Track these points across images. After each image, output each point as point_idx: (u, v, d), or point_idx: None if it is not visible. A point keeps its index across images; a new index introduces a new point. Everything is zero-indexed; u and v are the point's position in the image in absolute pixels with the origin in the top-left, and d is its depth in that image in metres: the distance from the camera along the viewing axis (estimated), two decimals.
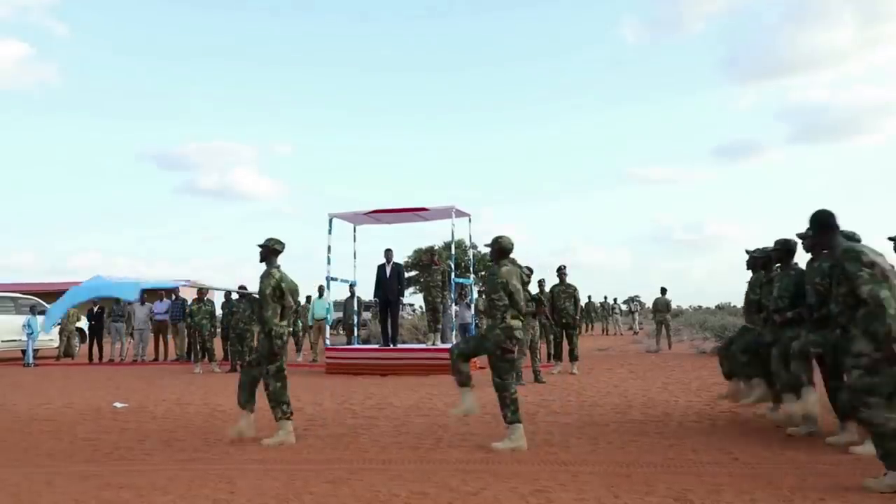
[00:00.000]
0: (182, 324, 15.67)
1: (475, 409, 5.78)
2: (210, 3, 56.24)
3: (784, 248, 6.19)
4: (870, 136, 57.53)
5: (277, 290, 5.96)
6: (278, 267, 6.11)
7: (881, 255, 4.46)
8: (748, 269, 6.94)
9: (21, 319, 16.20)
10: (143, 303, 16.45)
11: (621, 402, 8.00)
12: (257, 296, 6.05)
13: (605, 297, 29.97)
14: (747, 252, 6.90)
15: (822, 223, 4.69)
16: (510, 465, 4.94)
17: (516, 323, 5.53)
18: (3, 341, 16.36)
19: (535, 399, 8.47)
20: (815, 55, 53.95)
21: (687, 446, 5.50)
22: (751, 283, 6.85)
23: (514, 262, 5.81)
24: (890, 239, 6.03)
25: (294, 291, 6.19)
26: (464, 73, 60.32)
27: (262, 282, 5.99)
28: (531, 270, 10.15)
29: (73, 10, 53.04)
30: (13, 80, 51.77)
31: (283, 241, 6.19)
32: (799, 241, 5.78)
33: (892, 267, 4.47)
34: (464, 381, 5.71)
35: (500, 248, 5.69)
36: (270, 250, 6.10)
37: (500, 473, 4.71)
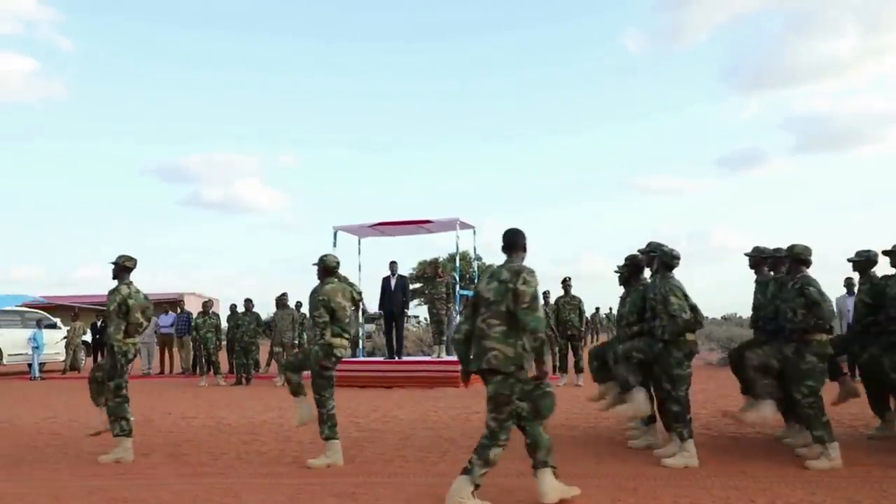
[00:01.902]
0: (187, 337, 15.69)
1: (311, 418, 5.74)
2: (214, 17, 56.68)
3: (632, 265, 6.30)
4: (874, 145, 57.45)
5: (123, 307, 5.98)
6: (129, 283, 6.14)
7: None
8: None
9: (27, 333, 16.23)
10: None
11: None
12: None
13: (610, 309, 29.86)
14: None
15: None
16: (514, 479, 4.92)
17: (337, 341, 5.57)
18: (9, 355, 16.39)
19: None
20: (819, 65, 54.01)
21: (703, 459, 5.47)
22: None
23: (344, 279, 5.88)
24: (885, 253, 6.14)
25: (145, 308, 6.18)
26: (467, 85, 60.60)
27: (108, 297, 6.04)
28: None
29: (78, 26, 53.45)
30: (20, 95, 52.12)
31: (134, 257, 6.21)
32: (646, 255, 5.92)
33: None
34: (296, 391, 5.70)
35: (325, 267, 5.77)
36: (121, 267, 6.14)
37: (505, 487, 4.69)
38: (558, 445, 6.23)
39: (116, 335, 5.93)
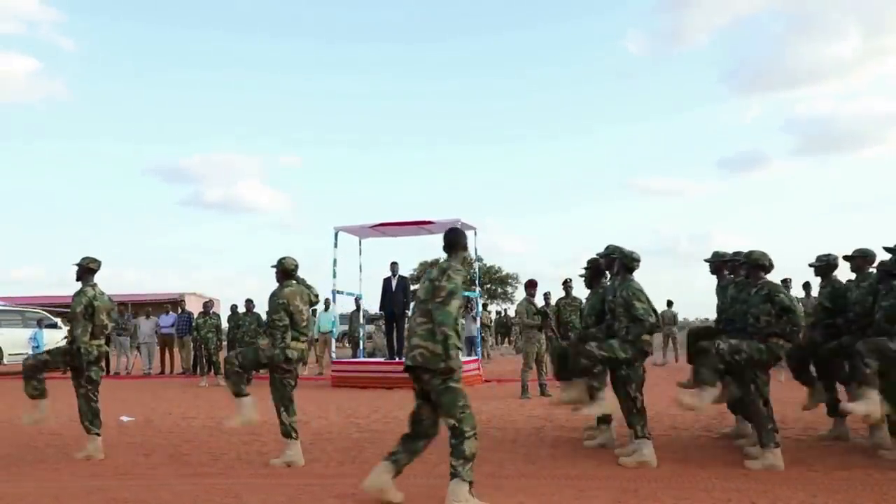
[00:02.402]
0: (188, 337, 15.69)
1: (253, 419, 5.77)
2: (215, 17, 56.76)
3: (593, 268, 6.43)
4: (876, 147, 57.45)
5: (89, 309, 6.01)
6: (94, 285, 6.17)
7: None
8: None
9: (28, 333, 16.24)
10: (148, 316, 16.47)
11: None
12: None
13: None
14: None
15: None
16: (516, 480, 4.91)
17: (296, 344, 5.63)
18: (10, 355, 16.39)
19: (541, 413, 8.44)
20: (820, 67, 54.04)
21: (695, 461, 5.46)
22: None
23: (302, 282, 5.91)
24: (845, 258, 6.19)
25: (110, 310, 6.23)
26: (468, 86, 60.64)
27: (73, 299, 6.06)
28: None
29: (80, 26, 53.52)
30: (21, 95, 52.20)
31: (98, 259, 6.24)
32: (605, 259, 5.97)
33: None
34: (239, 392, 5.72)
35: (283, 269, 5.79)
36: (85, 269, 6.17)
37: (505, 488, 4.69)
38: (560, 447, 6.25)
39: (83, 337, 5.96)
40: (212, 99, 57.55)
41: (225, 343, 14.89)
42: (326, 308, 15.27)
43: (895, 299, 5.35)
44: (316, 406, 9.36)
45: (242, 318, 13.69)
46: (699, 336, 6.22)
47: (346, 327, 18.65)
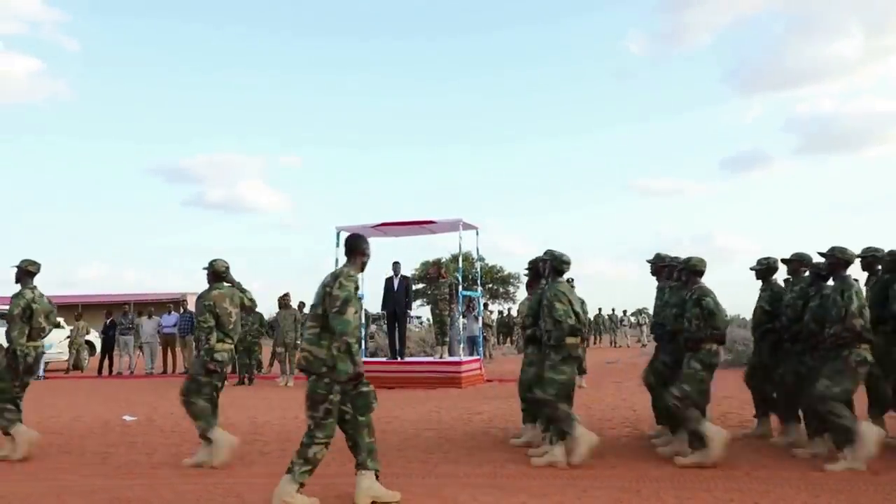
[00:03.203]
0: (190, 337, 15.68)
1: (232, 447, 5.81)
2: (217, 17, 56.82)
3: (532, 270, 6.53)
4: (878, 146, 57.26)
5: (27, 311, 6.03)
6: (33, 288, 6.19)
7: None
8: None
9: None
10: (150, 316, 16.49)
11: (630, 416, 7.94)
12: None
13: (613, 310, 29.81)
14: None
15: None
16: (518, 480, 4.91)
17: (220, 346, 5.65)
18: None
19: None
20: (822, 66, 53.85)
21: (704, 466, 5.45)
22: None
23: (237, 285, 5.94)
24: (783, 261, 6.26)
25: (49, 313, 6.24)
26: (469, 86, 60.60)
27: (11, 301, 6.07)
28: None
29: (82, 26, 53.60)
30: (25, 95, 52.23)
31: (38, 262, 6.26)
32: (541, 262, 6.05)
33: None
34: (205, 434, 5.76)
35: (214, 272, 5.82)
36: (24, 271, 6.19)
37: (508, 488, 4.69)
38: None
39: (20, 339, 5.99)
40: (214, 99, 57.64)
41: None
42: None
43: (823, 301, 5.40)
44: None
45: (244, 318, 13.70)
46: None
47: None
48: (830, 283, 5.52)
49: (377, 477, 4.36)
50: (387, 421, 7.91)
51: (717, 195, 58.56)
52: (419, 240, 15.99)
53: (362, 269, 4.52)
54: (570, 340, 5.43)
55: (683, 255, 6.08)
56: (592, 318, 26.58)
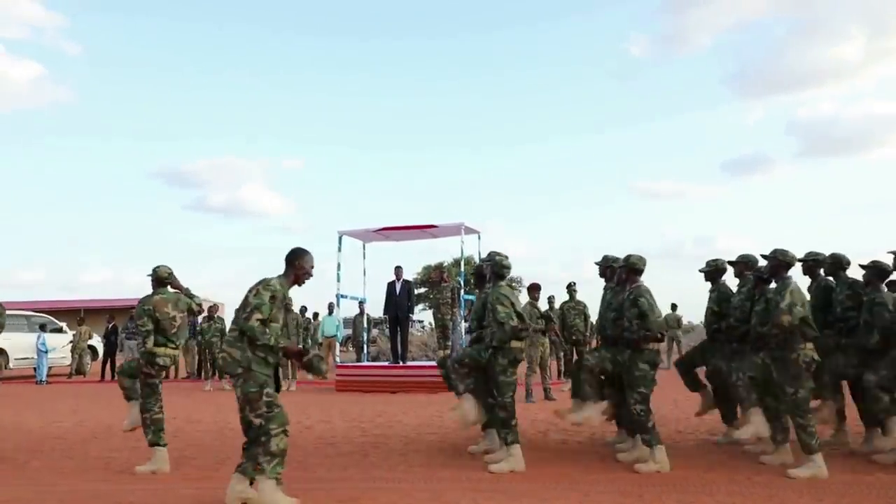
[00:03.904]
0: (192, 341, 15.71)
1: (139, 422, 5.81)
2: (219, 21, 56.93)
3: (476, 274, 6.56)
4: (880, 149, 57.14)
5: None
6: None
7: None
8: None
9: (33, 337, 16.29)
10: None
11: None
12: None
13: None
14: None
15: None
16: (520, 485, 4.91)
17: (160, 350, 5.70)
18: (15, 359, 16.44)
19: (545, 417, 8.43)
20: (824, 69, 53.77)
21: (700, 465, 5.45)
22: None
23: (185, 291, 5.98)
24: (730, 263, 6.33)
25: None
26: (471, 88, 60.62)
27: None
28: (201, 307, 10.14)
29: (84, 30, 53.74)
30: (27, 100, 52.35)
31: None
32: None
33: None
34: (130, 396, 5.82)
35: (157, 277, 5.86)
36: None
37: (510, 492, 4.69)
38: (565, 451, 6.24)
39: None
40: (216, 102, 57.69)
41: None
42: (330, 312, 15.28)
43: (766, 304, 5.42)
44: (320, 410, 9.36)
45: None
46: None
47: (349, 331, 18.67)
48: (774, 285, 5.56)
49: (252, 483, 4.39)
50: (389, 425, 7.91)
51: (718, 198, 58.47)
52: (421, 244, 16.02)
53: (298, 284, 4.60)
54: (514, 344, 5.49)
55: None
56: (595, 322, 26.49)
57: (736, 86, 54.13)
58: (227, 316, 16.23)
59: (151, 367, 5.66)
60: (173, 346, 5.80)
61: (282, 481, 4.31)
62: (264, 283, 4.40)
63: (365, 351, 15.02)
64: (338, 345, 14.27)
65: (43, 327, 16.52)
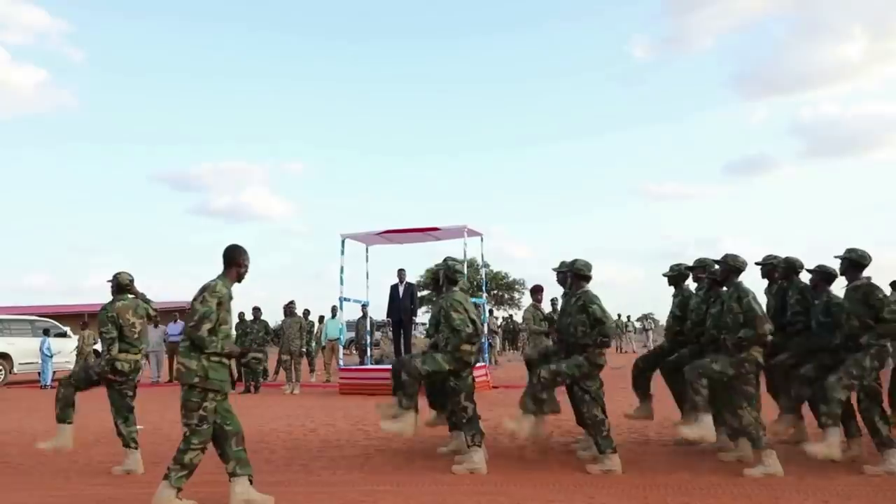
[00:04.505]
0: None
1: (67, 445, 5.87)
2: (220, 26, 57.17)
3: (431, 279, 6.59)
4: (884, 149, 57.22)
5: None
6: None
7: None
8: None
9: (37, 342, 16.31)
10: (156, 325, 16.51)
11: (636, 423, 7.91)
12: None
13: (619, 315, 29.75)
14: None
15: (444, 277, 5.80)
16: (524, 488, 4.90)
17: (123, 356, 5.72)
18: (20, 364, 16.46)
19: (548, 419, 8.40)
20: (827, 70, 53.92)
21: (704, 468, 5.44)
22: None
23: (141, 296, 6.01)
24: (687, 269, 6.39)
25: None
26: (473, 91, 60.74)
27: None
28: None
29: (88, 36, 54.08)
30: (31, 105, 52.74)
31: None
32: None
33: None
34: (63, 418, 5.85)
35: (118, 284, 5.89)
36: None
37: (514, 495, 4.68)
38: (568, 454, 6.23)
39: None
40: (218, 107, 57.95)
41: None
42: (333, 315, 15.28)
43: (721, 307, 5.43)
44: (324, 413, 9.36)
45: (250, 326, 13.73)
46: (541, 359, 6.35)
47: (353, 334, 18.68)
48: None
49: (251, 482, 4.47)
50: None
51: (723, 199, 58.55)
52: (424, 246, 16.01)
53: (239, 280, 4.63)
54: (465, 347, 5.51)
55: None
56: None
57: (738, 87, 54.24)
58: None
59: (115, 373, 5.71)
60: (136, 351, 5.84)
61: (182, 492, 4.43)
62: (210, 290, 4.40)
63: (368, 354, 15.02)
64: (341, 348, 14.26)
65: (47, 332, 16.55)
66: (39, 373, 16.14)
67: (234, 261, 4.55)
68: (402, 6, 59.85)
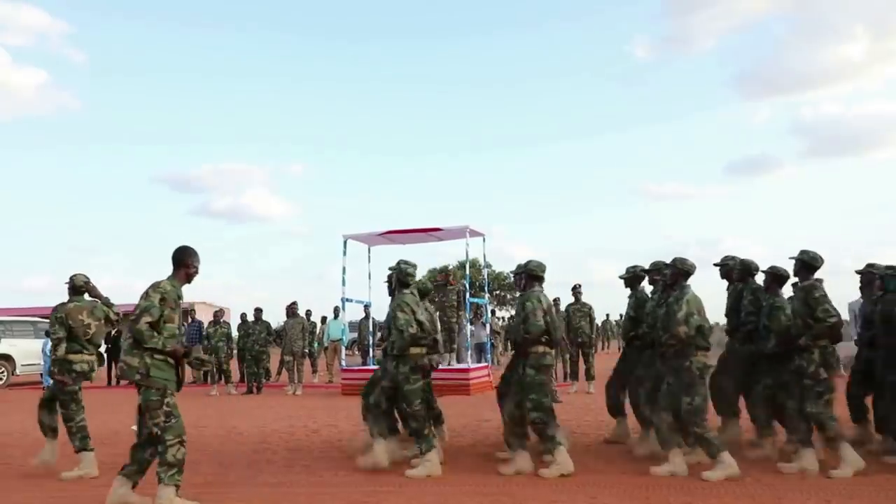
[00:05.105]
0: (198, 346, 15.71)
1: (53, 460, 5.88)
2: (221, 27, 57.22)
3: (388, 281, 6.58)
4: (886, 149, 57.04)
5: None
6: None
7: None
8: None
9: (40, 343, 16.32)
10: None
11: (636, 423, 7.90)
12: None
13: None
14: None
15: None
16: (526, 489, 4.90)
17: (75, 357, 5.73)
18: (22, 365, 16.47)
19: None
20: (828, 70, 53.76)
21: (706, 467, 5.42)
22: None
23: (104, 300, 6.03)
24: (643, 271, 6.48)
25: None
26: (474, 92, 60.74)
27: None
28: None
29: (88, 37, 54.13)
30: (32, 107, 52.78)
31: None
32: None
33: None
34: (46, 431, 5.89)
35: (72, 286, 5.91)
36: None
37: (516, 496, 4.68)
38: (571, 453, 6.20)
39: None
40: (219, 108, 57.97)
41: (235, 351, 14.95)
42: (336, 316, 15.29)
43: (666, 310, 5.44)
44: (326, 414, 9.36)
45: (252, 327, 13.74)
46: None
47: (355, 335, 18.67)
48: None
49: (177, 490, 4.39)
50: None
51: (724, 199, 58.41)
52: (426, 247, 16.01)
53: (188, 281, 4.62)
54: (413, 350, 5.51)
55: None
56: (600, 325, 26.49)
57: (740, 87, 54.14)
58: (233, 321, 16.27)
59: (67, 374, 5.70)
60: (89, 352, 5.84)
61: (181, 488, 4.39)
62: (154, 286, 4.42)
63: (370, 354, 15.01)
64: (343, 348, 14.25)
65: (48, 333, 16.56)
66: (42, 374, 16.15)
67: (183, 262, 4.55)
68: (402, 6, 59.89)
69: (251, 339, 13.55)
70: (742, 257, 6.25)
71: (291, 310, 13.74)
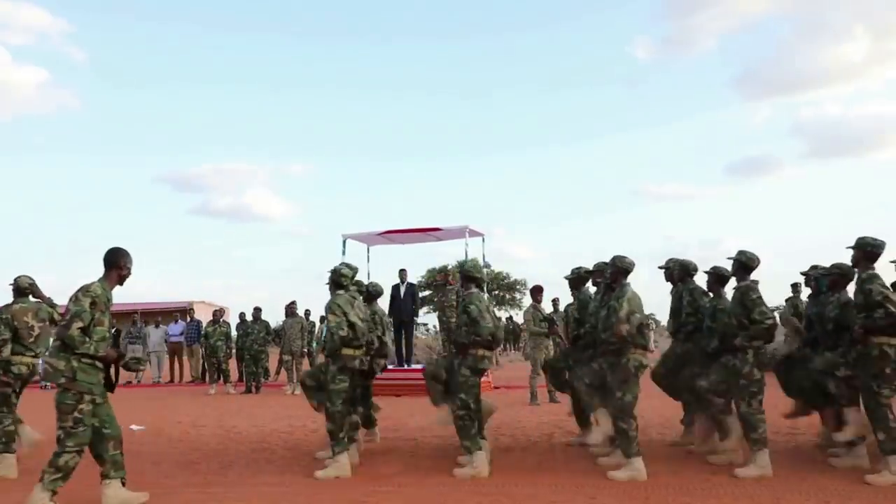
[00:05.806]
0: (197, 345, 15.71)
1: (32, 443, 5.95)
2: (222, 27, 57.25)
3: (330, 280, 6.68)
4: (886, 150, 57.16)
5: None
6: None
7: None
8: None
9: None
10: (157, 325, 16.52)
11: (638, 423, 7.90)
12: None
13: None
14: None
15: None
16: (526, 489, 4.90)
17: (20, 359, 5.77)
18: None
19: (550, 419, 8.41)
20: (829, 70, 53.91)
21: (706, 468, 5.43)
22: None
23: (47, 300, 6.06)
24: (587, 272, 6.51)
25: None
26: (475, 93, 60.78)
27: None
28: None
29: (89, 36, 54.18)
30: (33, 105, 52.83)
31: None
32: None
33: None
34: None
35: (17, 287, 5.95)
36: None
37: (516, 496, 4.68)
38: (570, 454, 6.22)
39: None
40: (220, 108, 57.99)
41: (234, 351, 14.93)
42: None
43: (608, 310, 5.45)
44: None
45: (251, 326, 13.73)
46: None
47: None
48: None
49: (123, 484, 4.49)
50: (394, 428, 7.89)
51: (725, 199, 58.51)
52: (425, 247, 15.98)
53: (120, 283, 4.61)
54: (345, 352, 5.52)
55: (629, 259, 6.07)
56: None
57: (740, 88, 54.22)
58: (232, 320, 16.26)
59: (6, 374, 5.70)
60: (31, 354, 5.84)
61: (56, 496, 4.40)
62: (84, 289, 4.38)
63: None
64: None
65: None
66: (40, 373, 16.12)
67: (115, 263, 4.52)
68: (403, 8, 59.93)
69: (250, 339, 13.54)
70: (682, 259, 6.32)
71: (290, 309, 13.73)
